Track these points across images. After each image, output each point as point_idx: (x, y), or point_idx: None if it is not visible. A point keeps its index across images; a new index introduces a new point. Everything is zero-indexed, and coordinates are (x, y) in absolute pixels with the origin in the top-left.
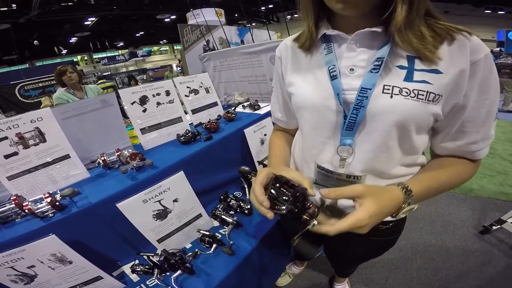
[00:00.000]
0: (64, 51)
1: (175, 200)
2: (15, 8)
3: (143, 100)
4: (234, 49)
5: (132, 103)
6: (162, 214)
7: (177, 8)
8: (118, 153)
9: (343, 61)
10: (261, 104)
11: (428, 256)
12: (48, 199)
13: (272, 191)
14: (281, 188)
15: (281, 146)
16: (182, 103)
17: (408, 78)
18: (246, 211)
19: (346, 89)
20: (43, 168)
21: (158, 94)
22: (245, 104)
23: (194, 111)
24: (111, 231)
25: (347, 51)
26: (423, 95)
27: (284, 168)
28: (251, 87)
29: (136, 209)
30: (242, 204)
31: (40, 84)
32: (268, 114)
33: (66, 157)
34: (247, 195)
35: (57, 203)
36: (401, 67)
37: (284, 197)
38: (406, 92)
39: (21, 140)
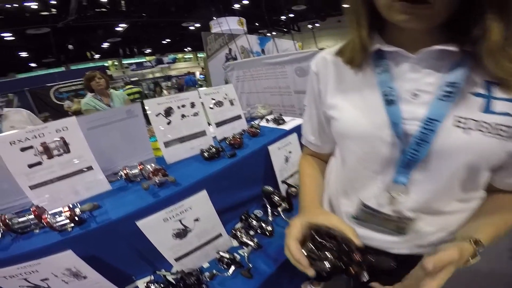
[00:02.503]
0: (97, 56)
1: (196, 220)
2: (55, 13)
3: (168, 112)
4: (258, 59)
5: (157, 115)
6: (182, 233)
7: (201, 16)
8: (141, 167)
9: (405, 83)
10: (286, 118)
11: (456, 279)
12: (68, 213)
13: (311, 245)
14: (322, 241)
15: (314, 177)
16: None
17: (487, 109)
18: (267, 233)
19: (406, 118)
20: (65, 179)
21: (183, 106)
22: (269, 117)
23: (218, 124)
24: (128, 247)
25: (410, 71)
26: (505, 130)
27: (321, 212)
28: (274, 99)
29: (156, 228)
30: (263, 225)
31: (73, 87)
32: (294, 130)
33: (89, 168)
34: (269, 215)
35: (76, 218)
36: (477, 94)
37: (326, 252)
38: (485, 127)
39: (46, 150)
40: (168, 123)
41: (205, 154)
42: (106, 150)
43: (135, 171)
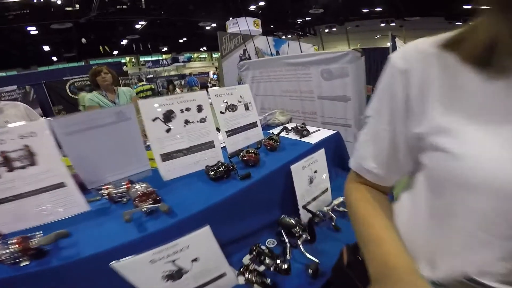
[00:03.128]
0: (115, 52)
1: (194, 260)
2: (78, 8)
3: (168, 117)
4: (277, 58)
5: (154, 119)
6: (175, 275)
7: (218, 16)
8: (128, 185)
9: None
10: (309, 128)
11: None
12: (16, 246)
13: None
14: None
15: (389, 223)
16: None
17: None
18: (283, 271)
19: None
20: (29, 197)
21: (187, 109)
22: (289, 126)
23: (229, 133)
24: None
25: None
26: None
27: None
28: (293, 104)
29: (140, 269)
30: (278, 262)
31: (88, 82)
32: (322, 144)
33: (60, 185)
34: (287, 253)
35: (32, 251)
36: None
37: None
38: None
39: (5, 160)
40: (168, 131)
41: (211, 174)
42: (90, 160)
43: (121, 189)
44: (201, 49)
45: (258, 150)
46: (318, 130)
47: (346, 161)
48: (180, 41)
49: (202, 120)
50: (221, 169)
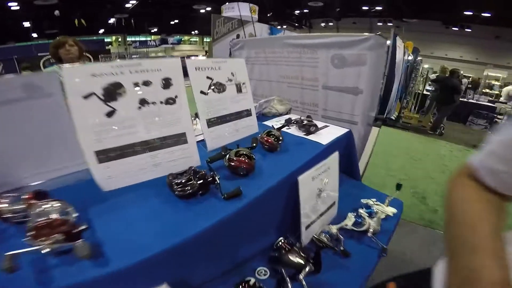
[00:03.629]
0: (101, 31)
1: None
2: None
3: (112, 93)
4: (279, 38)
5: (87, 96)
6: None
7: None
8: (30, 204)
9: None
10: (317, 123)
11: None
12: None
13: None
14: None
15: (496, 230)
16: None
17: None
18: None
19: None
20: None
21: (146, 84)
22: (293, 118)
23: (212, 122)
24: None
25: None
26: None
27: None
28: (291, 92)
29: None
30: None
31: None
32: (335, 146)
33: None
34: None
35: None
36: None
37: None
38: None
39: None
40: (109, 114)
41: (177, 189)
42: None
43: (18, 207)
44: (192, 32)
45: (252, 154)
46: (326, 126)
47: (354, 166)
48: (172, 23)
49: (170, 101)
50: (194, 182)
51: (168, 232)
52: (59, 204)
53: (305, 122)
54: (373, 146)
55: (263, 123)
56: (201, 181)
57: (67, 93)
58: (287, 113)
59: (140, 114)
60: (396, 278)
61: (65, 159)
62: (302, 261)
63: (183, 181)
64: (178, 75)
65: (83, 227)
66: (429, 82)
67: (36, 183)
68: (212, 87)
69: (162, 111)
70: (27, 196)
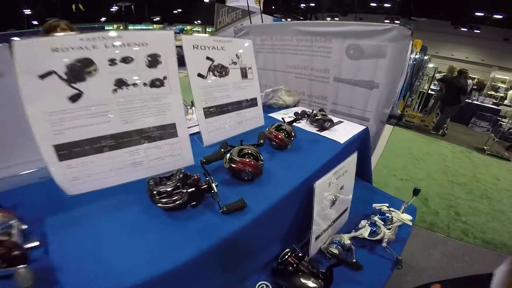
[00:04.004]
0: (103, 19)
1: None
2: None
3: (79, 72)
4: (289, 24)
5: (44, 76)
6: None
7: None
8: None
9: None
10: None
11: None
12: None
13: None
14: None
15: None
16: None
17: None
18: None
19: None
20: None
21: (124, 61)
22: (307, 112)
23: (210, 112)
24: None
25: None
26: None
27: None
28: (298, 84)
29: None
30: None
31: None
32: (354, 145)
33: None
34: None
35: None
36: None
37: None
38: None
39: None
40: (74, 99)
41: (161, 200)
42: None
43: None
44: (195, 22)
45: (259, 151)
46: (341, 121)
47: (368, 167)
48: (175, 12)
49: (157, 83)
50: (183, 190)
51: (148, 258)
52: None
53: (318, 116)
54: (385, 146)
55: (269, 115)
56: (193, 189)
57: (17, 71)
58: (295, 106)
59: (115, 99)
60: (442, 281)
61: (17, 155)
62: (314, 285)
63: (168, 189)
64: (169, 51)
65: (32, 244)
66: (434, 82)
67: None
68: (213, 70)
69: (145, 96)
70: None
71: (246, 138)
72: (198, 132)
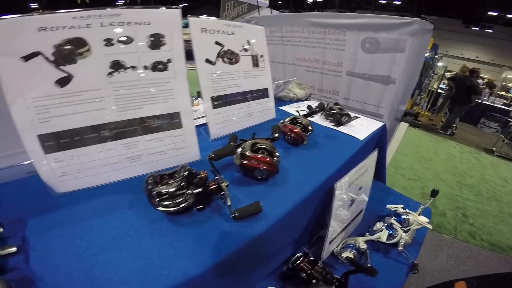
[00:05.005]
0: None
1: None
2: None
3: (69, 53)
4: (300, 15)
5: (28, 58)
6: None
7: None
8: None
9: None
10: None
11: None
12: None
13: None
14: None
15: None
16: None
17: None
18: None
19: None
20: None
21: (123, 41)
22: (324, 105)
23: (218, 103)
24: None
25: None
26: None
27: None
28: (309, 77)
29: None
30: None
31: None
32: (374, 142)
33: None
34: None
35: None
36: None
37: None
38: None
39: None
40: (62, 82)
41: (162, 204)
42: None
43: None
44: (200, 16)
45: (274, 146)
46: (357, 117)
47: (382, 167)
48: (180, 6)
49: (159, 67)
50: (189, 191)
51: (144, 273)
52: None
53: (334, 110)
54: (400, 144)
55: (279, 108)
56: (200, 189)
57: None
58: (306, 99)
59: (111, 84)
60: (467, 279)
61: (11, 144)
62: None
63: (170, 190)
64: (175, 31)
65: (9, 251)
66: (444, 81)
67: None
68: (222, 56)
69: (145, 80)
70: None
71: (256, 132)
72: (203, 124)
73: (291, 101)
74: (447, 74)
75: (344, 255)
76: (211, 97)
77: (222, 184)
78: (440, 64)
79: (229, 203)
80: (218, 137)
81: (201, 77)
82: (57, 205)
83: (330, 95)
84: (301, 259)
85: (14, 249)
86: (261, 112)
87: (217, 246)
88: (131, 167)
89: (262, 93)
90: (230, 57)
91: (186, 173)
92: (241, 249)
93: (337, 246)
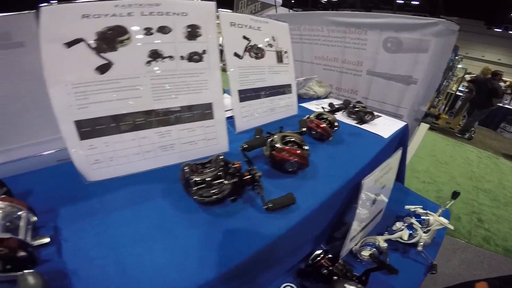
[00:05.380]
0: None
1: None
2: None
3: (110, 41)
4: (320, 14)
5: (71, 44)
6: None
7: None
8: None
9: None
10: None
11: None
12: None
13: None
14: None
15: None
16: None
17: None
18: None
19: None
20: None
21: (162, 30)
22: (350, 102)
23: (244, 96)
24: None
25: None
26: None
27: None
28: (327, 76)
29: None
30: None
31: None
32: (395, 141)
33: None
34: None
35: None
36: None
37: None
38: None
39: None
40: (102, 69)
41: (201, 193)
42: None
43: None
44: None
45: (303, 139)
46: (378, 115)
47: (402, 167)
48: None
49: (195, 57)
50: (225, 180)
51: (181, 264)
52: (4, 204)
53: (358, 107)
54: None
55: (300, 105)
56: (236, 179)
57: (41, 37)
58: (326, 97)
59: (149, 72)
60: (488, 279)
61: (34, 133)
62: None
63: (208, 178)
64: (210, 23)
65: (42, 241)
66: (463, 83)
67: None
68: (249, 50)
69: (181, 70)
70: None
71: (278, 127)
72: (230, 117)
73: (311, 98)
74: (467, 77)
75: (364, 253)
76: (238, 90)
77: (256, 175)
78: (459, 66)
79: (263, 194)
80: (243, 130)
81: (230, 70)
82: (89, 194)
83: (348, 94)
84: (322, 255)
85: (47, 239)
86: (283, 107)
87: (252, 237)
88: (163, 156)
89: (285, 89)
90: (256, 51)
91: (222, 162)
92: (275, 241)
93: (356, 245)
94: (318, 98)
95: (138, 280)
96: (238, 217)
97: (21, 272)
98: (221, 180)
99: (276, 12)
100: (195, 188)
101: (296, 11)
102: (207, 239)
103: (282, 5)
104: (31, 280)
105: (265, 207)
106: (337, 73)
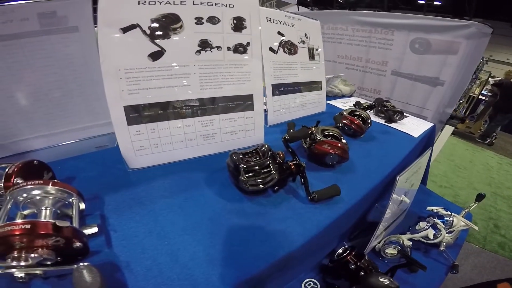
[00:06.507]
0: None
1: None
2: None
3: (164, 28)
4: (345, 13)
5: (126, 30)
6: None
7: None
8: (5, 185)
9: None
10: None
11: None
12: None
13: None
14: None
15: None
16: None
17: None
18: None
19: None
20: None
21: (211, 21)
22: (383, 100)
23: (278, 90)
24: None
25: None
26: None
27: None
28: (349, 75)
29: None
30: None
31: None
32: (423, 141)
33: None
34: None
35: None
36: None
37: None
38: None
39: None
40: (155, 57)
41: (252, 182)
42: None
43: None
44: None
45: (341, 134)
46: (406, 116)
47: (426, 168)
48: None
49: (240, 49)
50: (273, 171)
51: (242, 254)
52: (55, 189)
53: (387, 106)
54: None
55: (327, 102)
56: (282, 169)
57: (99, 22)
58: (351, 96)
59: (198, 61)
60: (510, 279)
61: (75, 119)
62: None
63: (257, 167)
64: (254, 16)
65: (91, 231)
66: (487, 87)
67: (39, 148)
68: (283, 46)
69: (227, 61)
70: (9, 171)
71: (307, 122)
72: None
73: (336, 96)
74: (491, 80)
75: (388, 251)
76: (272, 85)
77: (302, 165)
78: (484, 68)
79: (308, 184)
80: (274, 124)
81: (265, 64)
82: (133, 181)
83: (371, 93)
84: (348, 251)
85: (95, 229)
86: (313, 103)
87: (302, 227)
88: (204, 145)
89: (316, 85)
90: (290, 47)
91: (269, 153)
92: (323, 231)
93: (379, 243)
94: (343, 96)
95: (192, 273)
96: (283, 207)
97: (75, 266)
98: (269, 169)
99: (298, 9)
100: (245, 177)
101: (313, 9)
102: (257, 228)
103: (298, 3)
104: (87, 274)
105: (310, 197)
106: (360, 72)
